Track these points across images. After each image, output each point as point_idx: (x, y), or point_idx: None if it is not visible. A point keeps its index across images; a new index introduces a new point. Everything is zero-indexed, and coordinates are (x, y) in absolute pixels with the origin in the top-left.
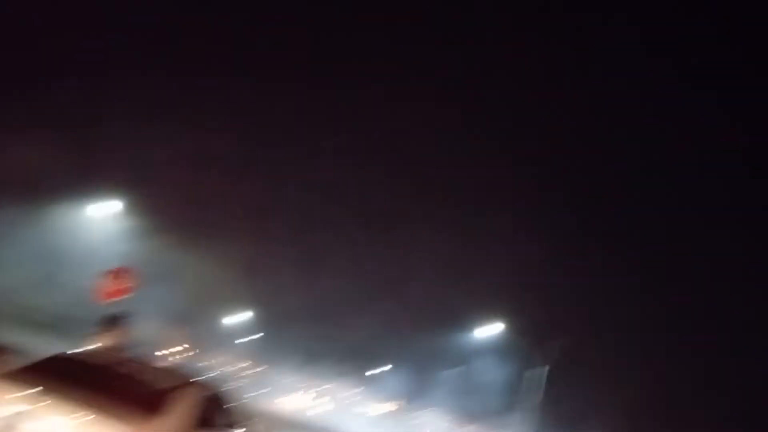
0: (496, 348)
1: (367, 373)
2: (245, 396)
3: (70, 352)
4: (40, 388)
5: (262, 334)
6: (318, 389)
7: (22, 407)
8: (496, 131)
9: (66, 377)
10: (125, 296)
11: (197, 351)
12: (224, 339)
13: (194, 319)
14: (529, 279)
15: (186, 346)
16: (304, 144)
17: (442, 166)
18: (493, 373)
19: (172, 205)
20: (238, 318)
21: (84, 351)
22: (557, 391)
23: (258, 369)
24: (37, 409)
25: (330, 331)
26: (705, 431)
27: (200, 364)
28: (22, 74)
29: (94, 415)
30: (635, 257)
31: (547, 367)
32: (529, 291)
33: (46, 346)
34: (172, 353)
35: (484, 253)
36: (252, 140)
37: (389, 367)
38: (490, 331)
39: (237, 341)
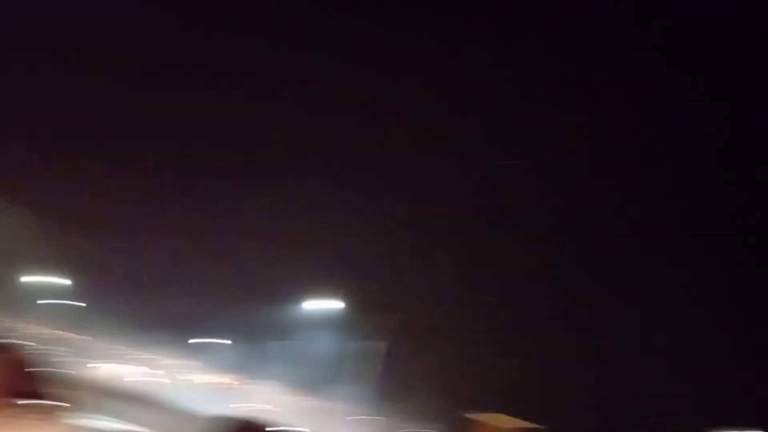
0: (332, 321)
1: (192, 342)
2: (58, 363)
3: None
4: None
5: (81, 303)
6: (143, 357)
7: None
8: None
9: None
10: None
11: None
12: (31, 302)
13: None
14: (365, 254)
15: None
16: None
17: (273, 140)
18: (329, 346)
19: None
20: (48, 281)
21: None
22: (394, 364)
23: (73, 335)
24: None
25: (157, 301)
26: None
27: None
28: None
29: None
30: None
31: (384, 341)
32: (365, 266)
33: None
34: None
35: (320, 227)
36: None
37: (220, 338)
38: (326, 304)
39: (46, 304)
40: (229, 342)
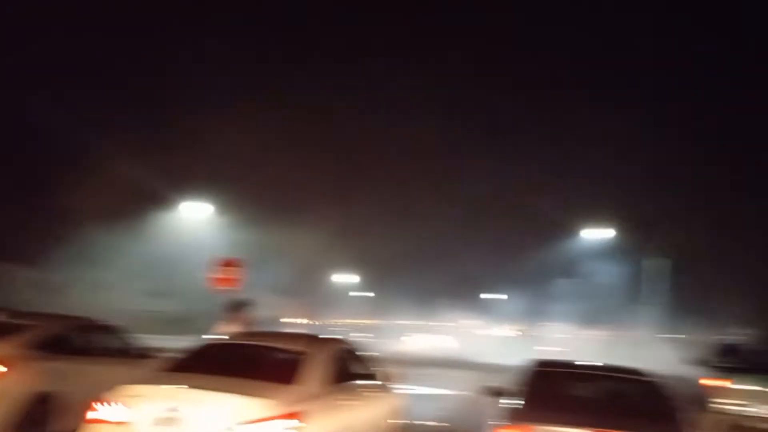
0: (607, 251)
1: (481, 297)
2: (372, 345)
3: (212, 339)
4: (194, 376)
5: (372, 293)
6: (434, 326)
7: (181, 397)
8: None
9: (216, 362)
10: (238, 284)
11: (316, 315)
12: (338, 301)
13: (305, 289)
14: (633, 179)
15: (305, 313)
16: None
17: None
18: (608, 276)
19: (254, 196)
20: (345, 280)
21: (225, 336)
22: (680, 282)
23: (376, 320)
24: (194, 396)
25: (433, 272)
26: None
27: (323, 326)
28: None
29: (245, 395)
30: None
31: (668, 260)
32: (634, 191)
33: (181, 342)
34: (295, 323)
35: (586, 159)
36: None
37: (501, 293)
38: (598, 234)
39: (349, 299)
40: (508, 296)
